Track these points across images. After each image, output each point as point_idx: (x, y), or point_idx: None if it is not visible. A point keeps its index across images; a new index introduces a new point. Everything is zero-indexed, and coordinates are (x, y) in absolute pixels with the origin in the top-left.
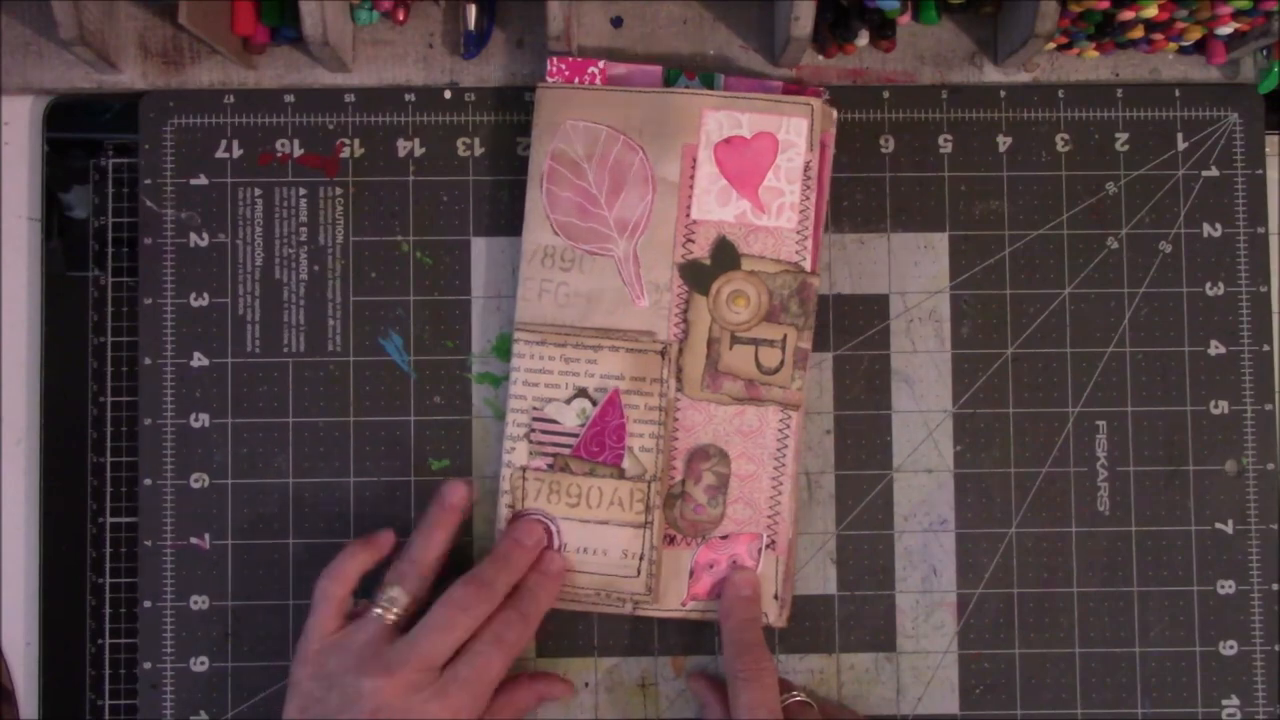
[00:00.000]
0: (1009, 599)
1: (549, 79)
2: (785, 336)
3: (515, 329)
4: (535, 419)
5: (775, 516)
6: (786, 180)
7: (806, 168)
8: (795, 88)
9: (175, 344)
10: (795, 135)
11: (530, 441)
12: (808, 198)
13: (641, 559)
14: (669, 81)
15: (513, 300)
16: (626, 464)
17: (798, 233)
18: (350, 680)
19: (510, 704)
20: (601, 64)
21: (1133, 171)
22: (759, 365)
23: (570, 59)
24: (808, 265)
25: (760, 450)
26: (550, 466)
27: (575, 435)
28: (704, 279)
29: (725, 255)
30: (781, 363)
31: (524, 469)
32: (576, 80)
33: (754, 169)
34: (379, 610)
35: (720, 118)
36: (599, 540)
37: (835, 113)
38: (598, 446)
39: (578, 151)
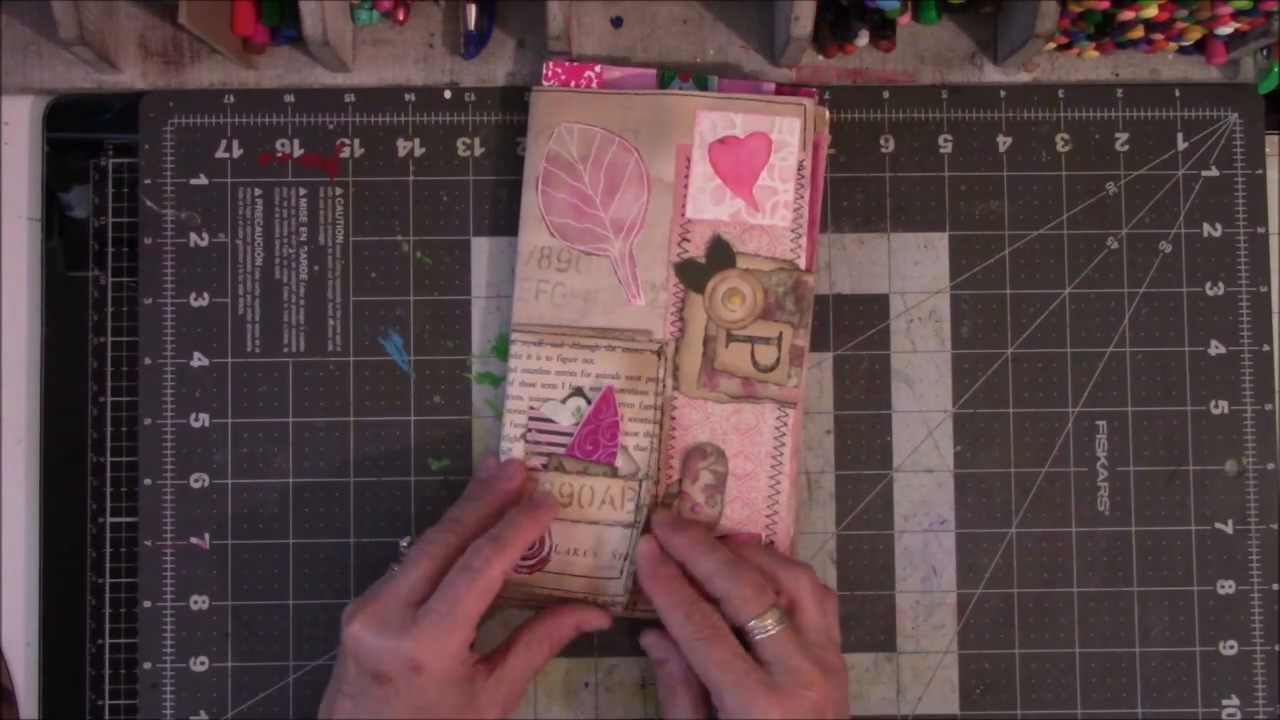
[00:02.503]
0: (1009, 599)
1: (545, 82)
2: (781, 334)
3: (512, 330)
4: (531, 419)
5: (774, 516)
6: (780, 179)
7: (800, 166)
8: (789, 90)
9: (175, 344)
10: (788, 135)
11: (526, 442)
12: (801, 196)
13: (626, 559)
14: (663, 84)
15: (512, 300)
16: (620, 462)
17: (792, 231)
18: (344, 632)
19: (546, 634)
20: (598, 68)
21: (1133, 171)
22: (755, 363)
23: (566, 63)
24: (802, 263)
25: (757, 449)
26: (545, 466)
27: (570, 434)
28: (700, 277)
29: (720, 254)
30: (778, 360)
31: None
32: (573, 84)
33: (748, 168)
34: (394, 566)
35: (714, 118)
36: (587, 541)
37: (828, 114)
38: (591, 445)
39: (573, 153)
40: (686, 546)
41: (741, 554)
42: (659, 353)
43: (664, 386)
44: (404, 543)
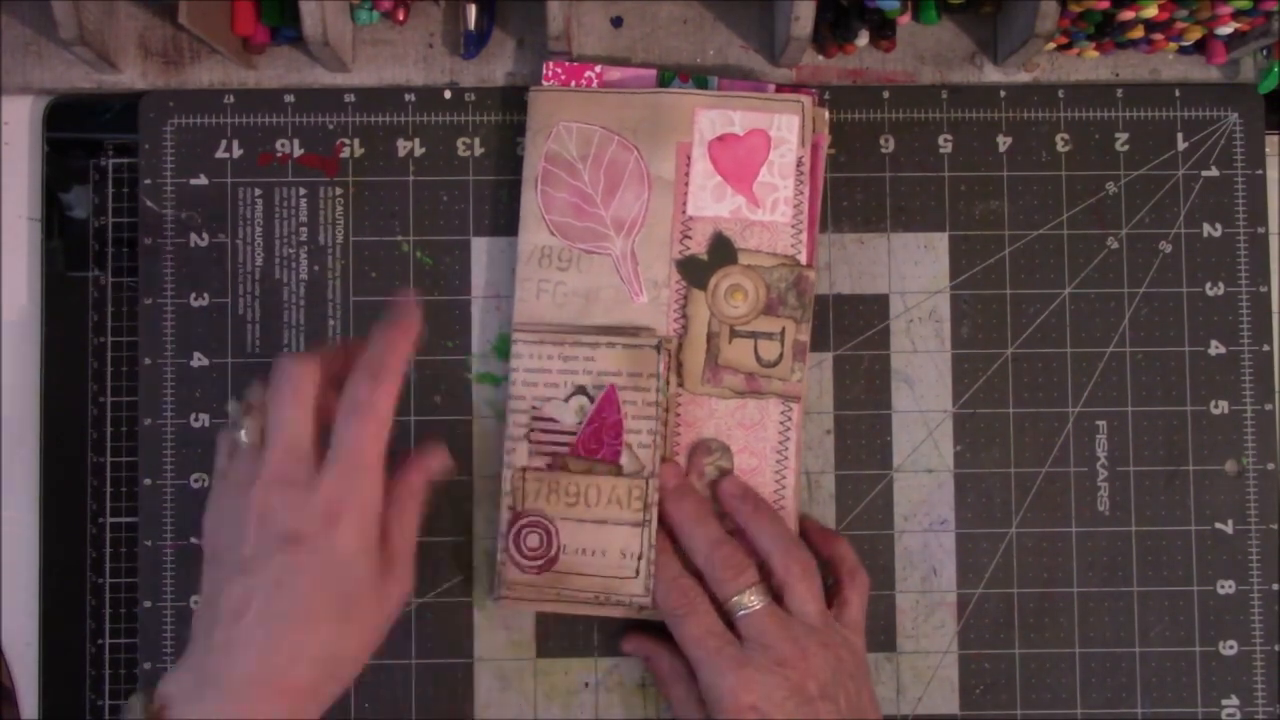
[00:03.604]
0: (1009, 599)
1: (545, 83)
2: (784, 329)
3: (514, 330)
4: (534, 419)
5: (780, 511)
6: (780, 175)
7: (799, 163)
8: (788, 90)
9: (175, 344)
10: (787, 131)
11: (530, 441)
12: (801, 192)
13: (640, 559)
14: (663, 84)
15: (513, 300)
16: (624, 460)
17: (793, 227)
18: (235, 502)
19: (410, 495)
20: (599, 69)
21: (1133, 171)
22: (758, 358)
23: (566, 63)
24: (803, 259)
25: (762, 444)
26: (549, 466)
27: (573, 433)
28: (702, 274)
29: (722, 250)
30: (780, 355)
31: (524, 469)
32: (573, 84)
33: (748, 165)
34: (239, 433)
35: (713, 115)
36: (597, 540)
37: (828, 114)
38: (595, 444)
39: (572, 152)
40: (678, 518)
41: (749, 523)
42: (658, 348)
43: (664, 383)
44: (232, 406)
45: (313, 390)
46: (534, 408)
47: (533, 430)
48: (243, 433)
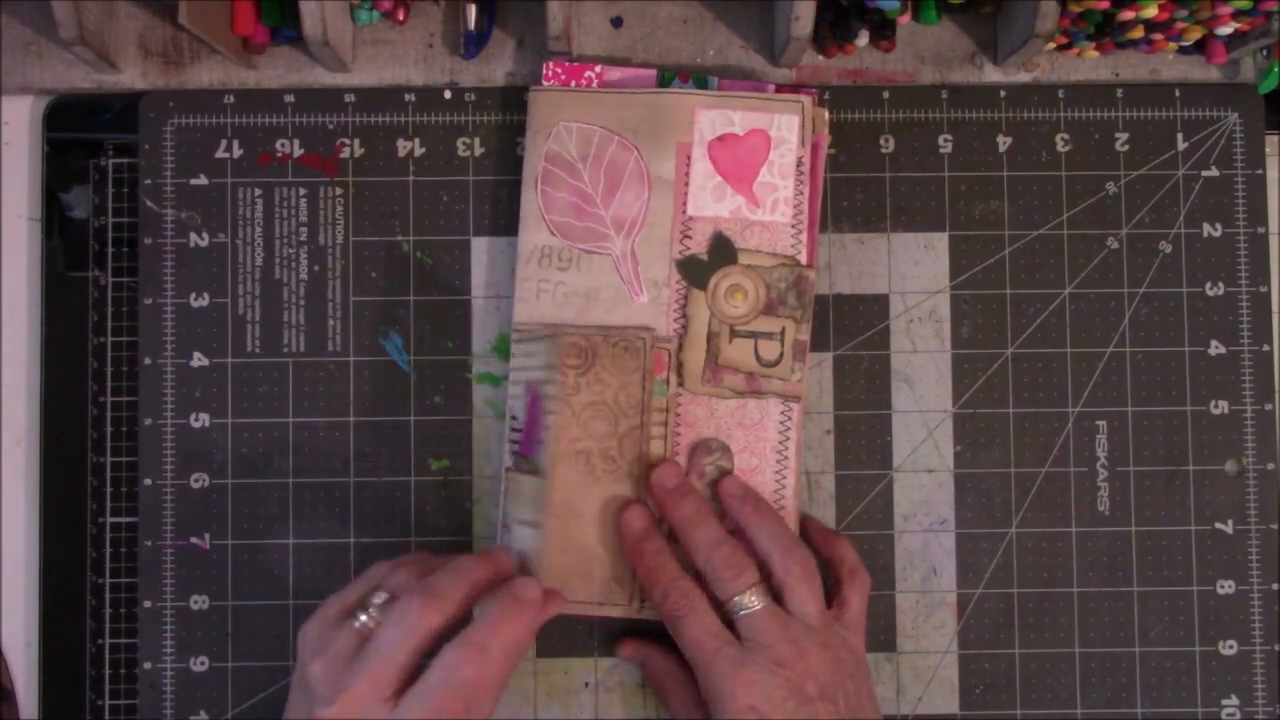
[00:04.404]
0: (1009, 599)
1: (545, 83)
2: (784, 329)
3: (514, 330)
4: None
5: (780, 511)
6: (780, 175)
7: (799, 163)
8: (788, 90)
9: (175, 344)
10: (787, 131)
11: None
12: (801, 192)
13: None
14: (663, 84)
15: (512, 300)
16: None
17: (793, 227)
18: (313, 701)
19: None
20: (598, 68)
21: (1133, 171)
22: (758, 358)
23: (566, 64)
24: (803, 259)
25: (762, 443)
26: None
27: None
28: (702, 274)
29: (722, 250)
30: (781, 355)
31: None
32: (573, 84)
33: (748, 165)
34: (362, 617)
35: (713, 116)
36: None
37: (828, 114)
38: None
39: (572, 152)
40: (679, 519)
41: (749, 523)
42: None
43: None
44: (379, 599)
45: (432, 632)
46: None
47: None
48: (364, 617)
